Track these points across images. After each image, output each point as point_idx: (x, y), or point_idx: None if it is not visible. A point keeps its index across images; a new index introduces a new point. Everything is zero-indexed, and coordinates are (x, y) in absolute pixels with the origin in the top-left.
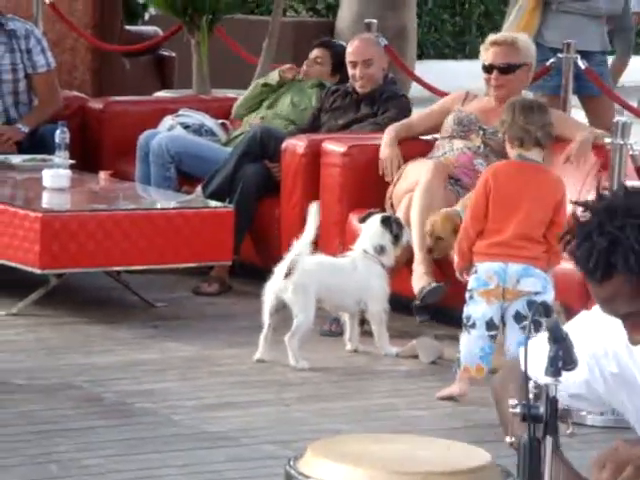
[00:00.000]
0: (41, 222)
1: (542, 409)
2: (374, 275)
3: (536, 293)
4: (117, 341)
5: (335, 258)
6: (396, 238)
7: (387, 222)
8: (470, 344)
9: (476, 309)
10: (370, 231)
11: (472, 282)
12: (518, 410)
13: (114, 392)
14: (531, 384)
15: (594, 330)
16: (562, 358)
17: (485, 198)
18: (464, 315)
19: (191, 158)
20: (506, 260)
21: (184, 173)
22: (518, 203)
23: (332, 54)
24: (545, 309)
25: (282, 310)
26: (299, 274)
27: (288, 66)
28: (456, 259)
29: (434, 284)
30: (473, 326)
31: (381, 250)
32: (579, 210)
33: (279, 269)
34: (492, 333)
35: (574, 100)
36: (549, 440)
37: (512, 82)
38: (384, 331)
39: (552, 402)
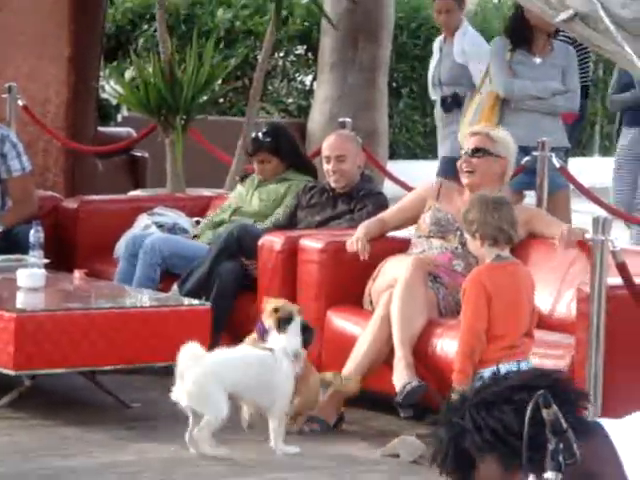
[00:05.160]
0: (15, 322)
1: None
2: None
3: None
4: (92, 443)
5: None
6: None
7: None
8: None
9: None
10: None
11: None
12: None
13: None
14: (530, 477)
15: None
16: (562, 452)
17: (486, 304)
18: None
19: (182, 259)
20: (512, 360)
21: (166, 273)
22: (515, 304)
23: (269, 149)
24: (545, 400)
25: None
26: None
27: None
28: (459, 371)
29: (415, 383)
30: None
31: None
32: None
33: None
34: None
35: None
36: None
37: (482, 168)
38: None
39: None
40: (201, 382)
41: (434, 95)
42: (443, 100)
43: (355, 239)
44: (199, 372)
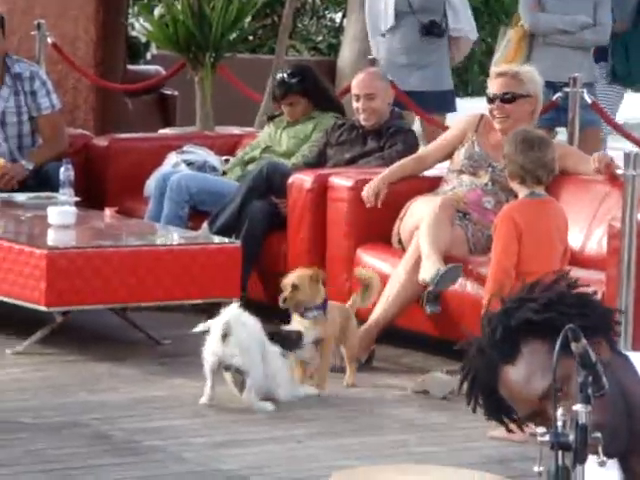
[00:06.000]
0: (47, 259)
1: (572, 437)
2: None
3: None
4: (124, 378)
5: None
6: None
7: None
8: None
9: None
10: None
11: None
12: (547, 438)
13: (122, 430)
14: (560, 411)
15: None
16: (591, 384)
17: (516, 240)
18: None
19: (211, 196)
20: None
21: (195, 211)
22: (546, 241)
23: (297, 91)
24: (574, 334)
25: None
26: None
27: None
28: (487, 302)
29: (450, 265)
30: None
31: None
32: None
33: (215, 328)
34: None
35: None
36: (579, 469)
37: (515, 113)
38: None
39: (582, 430)
40: (250, 343)
41: (388, 25)
42: (426, 26)
43: (369, 186)
44: (250, 334)
